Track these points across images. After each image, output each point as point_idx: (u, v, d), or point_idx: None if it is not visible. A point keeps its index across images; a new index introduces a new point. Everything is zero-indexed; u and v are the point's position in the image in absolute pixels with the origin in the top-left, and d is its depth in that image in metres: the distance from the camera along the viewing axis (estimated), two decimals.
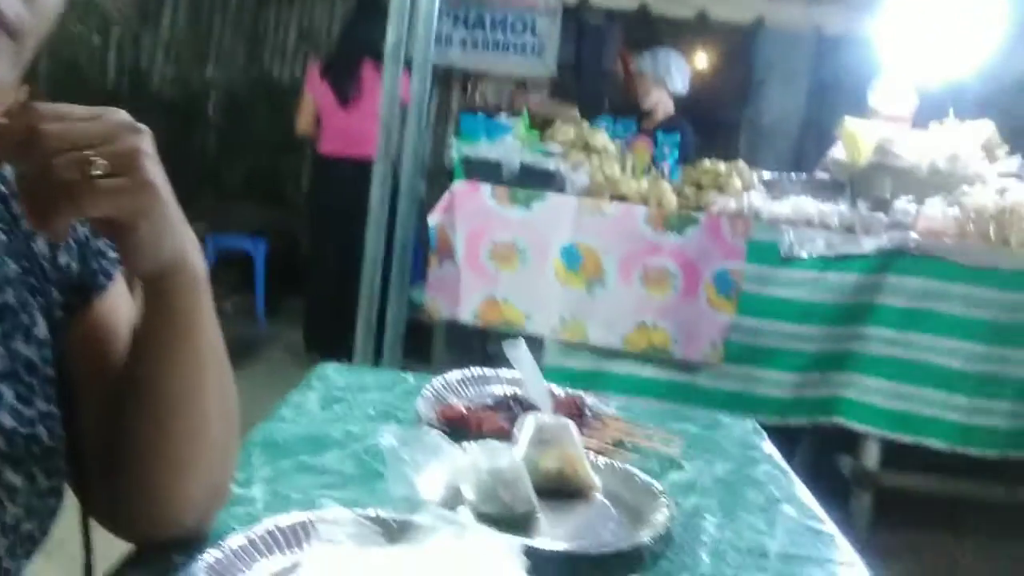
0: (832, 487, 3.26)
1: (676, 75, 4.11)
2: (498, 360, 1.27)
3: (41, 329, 0.67)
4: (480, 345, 3.61)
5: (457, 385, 1.29)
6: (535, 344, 3.21)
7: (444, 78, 5.75)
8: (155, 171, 0.60)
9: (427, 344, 3.41)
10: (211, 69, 6.13)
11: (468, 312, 3.08)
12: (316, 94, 4.10)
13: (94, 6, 5.95)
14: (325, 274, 4.12)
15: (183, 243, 0.65)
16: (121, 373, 0.70)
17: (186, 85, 6.14)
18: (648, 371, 3.11)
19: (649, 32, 5.66)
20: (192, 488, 0.73)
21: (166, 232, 0.62)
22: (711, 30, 5.81)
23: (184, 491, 0.73)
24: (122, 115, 0.60)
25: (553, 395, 1.25)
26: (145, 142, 0.60)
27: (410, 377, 1.34)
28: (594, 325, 3.07)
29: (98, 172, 0.56)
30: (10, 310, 0.66)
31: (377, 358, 2.76)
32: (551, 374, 3.14)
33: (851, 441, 3.21)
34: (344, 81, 4.03)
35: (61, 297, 0.71)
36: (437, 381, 1.27)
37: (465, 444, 0.96)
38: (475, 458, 0.93)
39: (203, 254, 0.70)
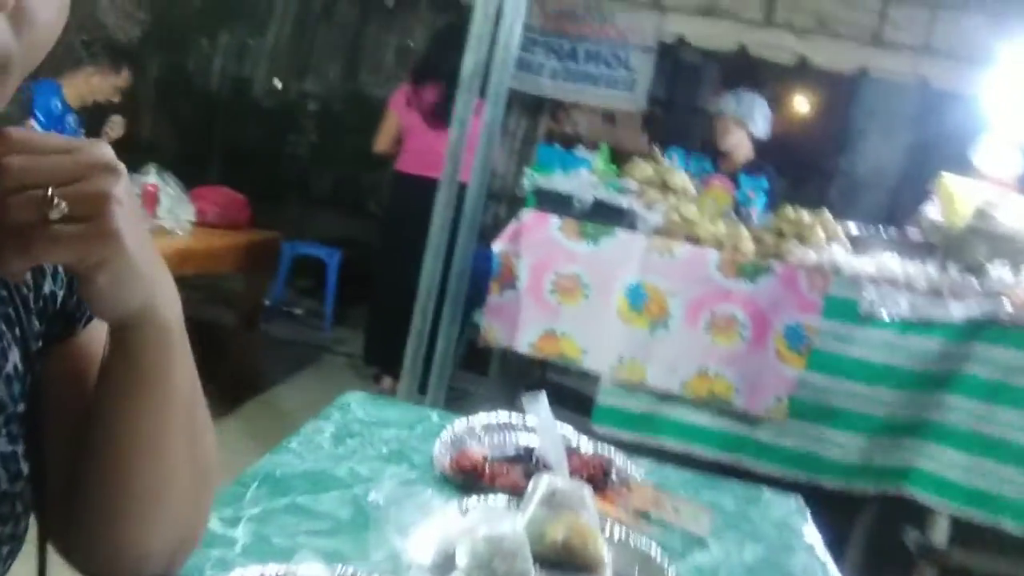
0: (895, 560, 3.10)
1: (758, 118, 3.99)
2: (556, 390, 1.21)
3: (13, 363, 0.64)
4: (540, 373, 3.55)
5: (480, 430, 1.23)
6: (591, 381, 3.14)
7: (533, 107, 5.75)
8: (121, 218, 0.54)
9: (488, 359, 3.38)
10: (310, 81, 6.29)
11: (525, 342, 3.03)
12: (401, 113, 4.13)
13: (207, 13, 6.17)
14: (389, 289, 4.12)
15: (151, 294, 0.59)
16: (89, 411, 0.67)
17: (285, 95, 6.30)
18: (706, 419, 3.00)
19: (746, 74, 5.54)
20: (155, 537, 0.69)
21: (129, 284, 0.56)
22: (811, 76, 5.65)
23: (146, 539, 0.69)
24: (100, 151, 0.55)
25: (576, 454, 1.18)
26: (117, 185, 0.54)
27: (434, 415, 1.29)
28: (653, 367, 2.97)
29: (56, 215, 0.51)
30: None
31: (426, 379, 2.74)
32: (604, 414, 3.07)
33: (919, 514, 3.02)
34: (431, 102, 4.06)
35: (42, 327, 0.68)
36: (460, 424, 1.22)
37: (467, 501, 0.91)
38: (474, 521, 0.87)
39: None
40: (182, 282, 0.64)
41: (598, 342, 3.00)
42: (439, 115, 3.95)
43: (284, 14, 6.22)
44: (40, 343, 0.67)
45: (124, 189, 0.55)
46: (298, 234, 5.20)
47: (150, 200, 3.31)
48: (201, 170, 5.40)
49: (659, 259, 2.98)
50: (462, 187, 2.72)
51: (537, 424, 1.14)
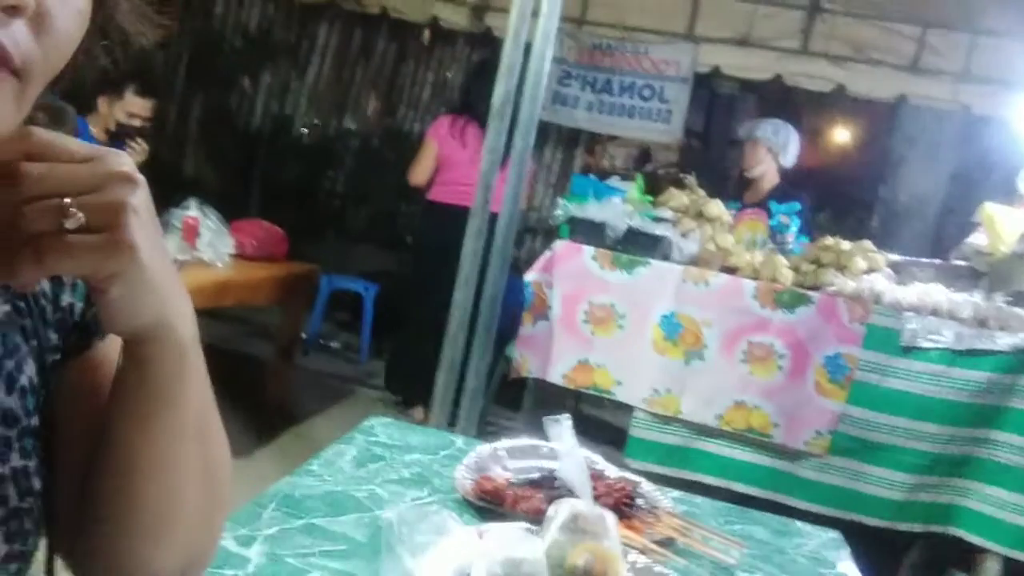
0: None
1: (787, 146, 3.95)
2: (589, 423, 1.18)
3: (28, 376, 0.63)
4: (573, 405, 3.51)
5: (504, 455, 1.21)
6: (624, 412, 3.09)
7: (568, 139, 5.77)
8: (138, 230, 0.52)
9: (520, 394, 3.35)
10: (348, 118, 6.39)
11: (558, 373, 2.99)
12: (441, 144, 4.17)
13: (248, 53, 6.32)
14: (416, 317, 4.15)
15: (166, 309, 0.58)
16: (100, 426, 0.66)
17: (323, 131, 6.41)
18: (743, 454, 2.93)
19: (782, 103, 5.52)
20: (164, 555, 0.68)
21: (142, 297, 0.55)
22: (849, 104, 5.60)
23: (156, 557, 0.67)
24: (119, 161, 0.53)
25: (602, 480, 1.15)
26: (135, 195, 0.53)
27: (459, 440, 1.27)
28: (689, 399, 2.92)
29: (72, 225, 0.50)
30: (14, 366, 0.62)
31: (456, 410, 2.71)
32: (637, 447, 3.02)
33: (967, 555, 2.91)
34: (472, 133, 4.10)
35: (59, 340, 0.67)
36: (483, 448, 1.20)
37: (485, 527, 0.88)
38: (491, 544, 0.84)
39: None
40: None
41: (632, 373, 2.96)
42: (474, 145, 3.99)
43: (323, 53, 6.34)
44: (57, 356, 0.67)
45: (142, 201, 0.54)
46: (336, 268, 5.25)
47: (191, 233, 3.36)
48: (241, 205, 5.49)
49: (694, 289, 2.95)
50: (494, 217, 2.72)
51: (560, 448, 1.12)
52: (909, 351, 2.83)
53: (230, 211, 3.76)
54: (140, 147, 3.54)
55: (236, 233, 3.68)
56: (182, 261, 3.20)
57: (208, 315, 4.00)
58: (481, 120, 4.00)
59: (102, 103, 3.57)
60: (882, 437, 2.83)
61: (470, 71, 4.54)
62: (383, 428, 1.26)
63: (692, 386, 2.92)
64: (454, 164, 4.11)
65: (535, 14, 2.57)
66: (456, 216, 3.95)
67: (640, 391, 2.96)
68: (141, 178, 0.54)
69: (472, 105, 4.08)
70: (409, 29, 5.97)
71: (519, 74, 2.54)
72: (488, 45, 5.15)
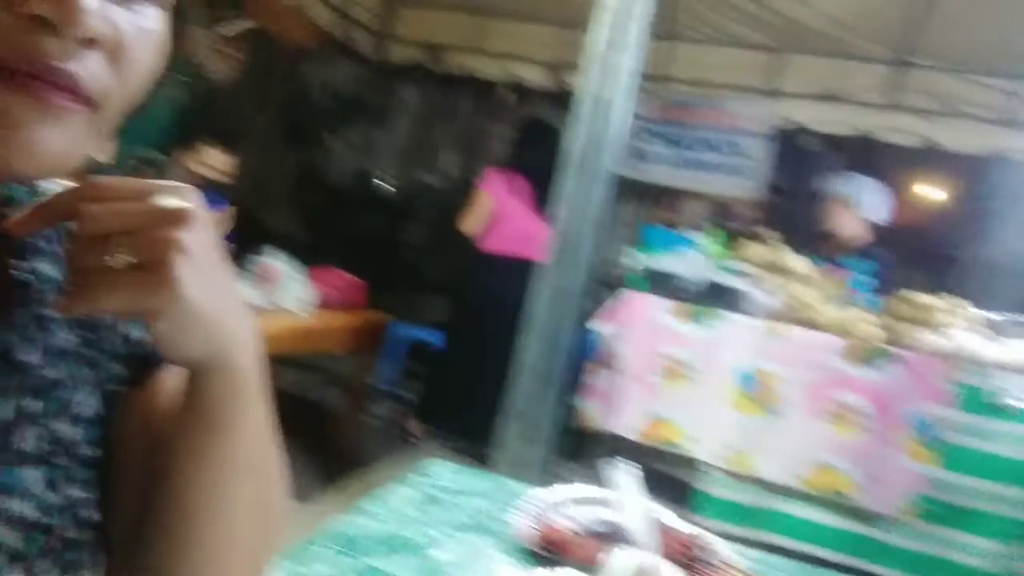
0: None
1: (869, 201, 3.83)
2: (651, 475, 1.14)
3: (91, 407, 0.64)
4: (637, 455, 3.42)
5: (564, 502, 1.17)
6: (689, 467, 2.99)
7: (642, 192, 5.76)
8: (184, 267, 0.52)
9: (583, 443, 3.29)
10: (427, 174, 6.54)
11: (627, 426, 2.93)
12: (497, 196, 4.25)
13: (331, 110, 6.55)
14: (455, 353, 4.22)
15: (219, 343, 0.58)
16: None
17: (404, 187, 6.57)
18: (824, 517, 2.80)
19: (868, 159, 5.39)
20: None
21: (191, 331, 0.55)
22: (938, 159, 5.44)
23: None
24: (172, 197, 0.54)
25: (666, 531, 1.10)
26: (183, 232, 0.53)
27: (517, 485, 1.25)
28: (766, 457, 2.82)
29: (116, 263, 0.51)
30: (59, 386, 0.62)
31: (517, 456, 2.68)
32: (708, 504, 2.92)
33: None
34: (529, 186, 4.17)
35: (126, 371, 0.67)
36: (543, 494, 1.17)
37: (542, 572, 0.85)
38: None
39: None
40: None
41: (705, 428, 2.88)
42: (537, 200, 4.06)
43: (405, 110, 6.53)
44: (123, 388, 0.67)
45: (194, 237, 0.54)
46: (410, 318, 5.30)
47: (269, 279, 3.44)
48: (322, 255, 5.63)
49: (774, 344, 2.86)
50: (559, 267, 2.72)
51: (623, 498, 1.08)
52: (1003, 412, 2.68)
53: (310, 260, 3.85)
54: (227, 216, 3.51)
55: (317, 282, 3.76)
56: (262, 307, 3.28)
57: (286, 362, 4.09)
58: (531, 174, 4.10)
59: (182, 156, 3.64)
60: (972, 502, 2.68)
61: (521, 127, 4.64)
62: (441, 470, 1.25)
63: (770, 444, 2.82)
64: (508, 216, 4.18)
65: (613, 71, 2.59)
66: (510, 266, 4.02)
67: (713, 447, 2.87)
68: (195, 212, 0.54)
69: (523, 159, 4.18)
70: (489, 88, 6.10)
71: (596, 129, 2.55)
72: (567, 103, 5.21)
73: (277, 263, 3.56)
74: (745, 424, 2.84)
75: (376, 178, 6.58)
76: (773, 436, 2.82)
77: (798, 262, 3.23)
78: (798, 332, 2.87)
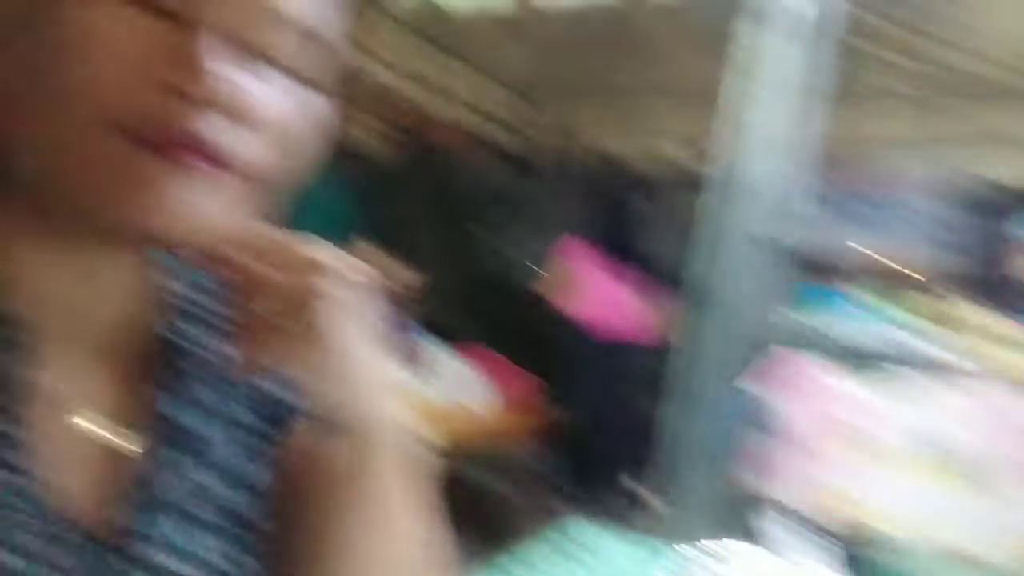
0: None
1: None
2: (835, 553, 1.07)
3: (261, 477, 0.63)
4: (797, 522, 3.20)
5: (708, 561, 1.12)
6: (860, 543, 2.74)
7: (801, 255, 5.55)
8: (328, 318, 0.54)
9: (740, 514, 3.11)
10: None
11: (792, 496, 2.74)
12: (580, 269, 4.30)
13: (483, 203, 6.80)
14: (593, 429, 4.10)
15: (357, 402, 0.58)
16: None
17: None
18: None
19: None
20: None
21: (332, 386, 0.56)
22: None
23: None
24: (311, 250, 0.55)
25: None
26: (325, 283, 0.54)
27: (657, 545, 1.20)
28: (964, 532, 2.55)
29: (266, 314, 0.53)
30: (216, 447, 0.61)
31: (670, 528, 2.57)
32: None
33: None
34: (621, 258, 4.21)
35: (266, 427, 0.66)
36: (684, 552, 1.12)
37: None
38: None
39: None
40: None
41: (889, 502, 2.66)
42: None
43: (557, 208, 6.69)
44: (264, 444, 0.65)
45: (339, 292, 0.55)
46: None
47: (419, 361, 3.53)
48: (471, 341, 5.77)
49: (963, 404, 2.64)
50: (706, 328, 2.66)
51: (773, 548, 1.03)
52: None
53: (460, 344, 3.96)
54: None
55: (491, 376, 3.81)
56: (439, 400, 3.27)
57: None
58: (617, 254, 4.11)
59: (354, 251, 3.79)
60: None
61: (614, 208, 4.72)
62: (578, 529, 1.23)
63: (966, 517, 2.56)
64: (602, 287, 4.27)
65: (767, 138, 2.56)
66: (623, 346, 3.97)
67: (893, 519, 2.64)
68: (335, 265, 0.55)
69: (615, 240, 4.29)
70: (638, 176, 6.15)
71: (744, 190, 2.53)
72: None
73: (437, 353, 3.66)
74: (931, 494, 2.61)
75: (526, 269, 6.74)
76: (970, 508, 2.57)
77: (976, 313, 3.00)
78: (994, 392, 2.64)
